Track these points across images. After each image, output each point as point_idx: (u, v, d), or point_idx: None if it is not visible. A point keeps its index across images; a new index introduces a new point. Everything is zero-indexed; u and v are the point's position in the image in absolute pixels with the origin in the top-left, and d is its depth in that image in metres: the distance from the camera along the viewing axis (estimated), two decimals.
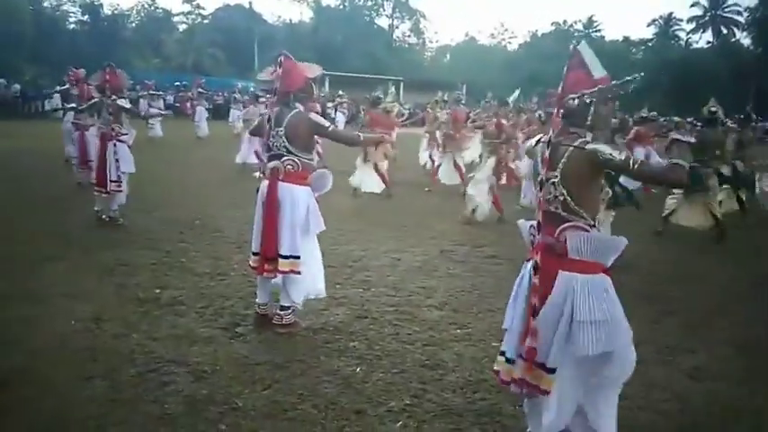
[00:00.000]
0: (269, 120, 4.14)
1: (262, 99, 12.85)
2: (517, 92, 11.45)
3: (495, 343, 4.00)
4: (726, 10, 54.79)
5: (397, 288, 5.12)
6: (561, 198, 2.49)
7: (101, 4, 44.33)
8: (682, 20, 57.19)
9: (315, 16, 59.90)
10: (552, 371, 2.48)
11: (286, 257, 4.02)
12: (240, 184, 10.51)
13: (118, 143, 6.90)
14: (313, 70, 4.24)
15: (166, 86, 28.75)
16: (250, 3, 56.55)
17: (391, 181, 9.77)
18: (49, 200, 8.24)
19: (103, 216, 6.98)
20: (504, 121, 8.63)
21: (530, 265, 2.64)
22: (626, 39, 60.82)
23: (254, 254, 4.19)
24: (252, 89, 28.74)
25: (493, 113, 9.51)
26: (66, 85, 11.16)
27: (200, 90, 21.29)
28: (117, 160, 6.85)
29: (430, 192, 10.60)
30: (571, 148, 2.48)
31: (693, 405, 3.38)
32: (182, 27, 54.37)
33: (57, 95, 24.34)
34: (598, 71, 2.54)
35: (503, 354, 2.72)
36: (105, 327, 4.05)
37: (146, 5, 52.17)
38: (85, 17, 43.57)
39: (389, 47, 60.40)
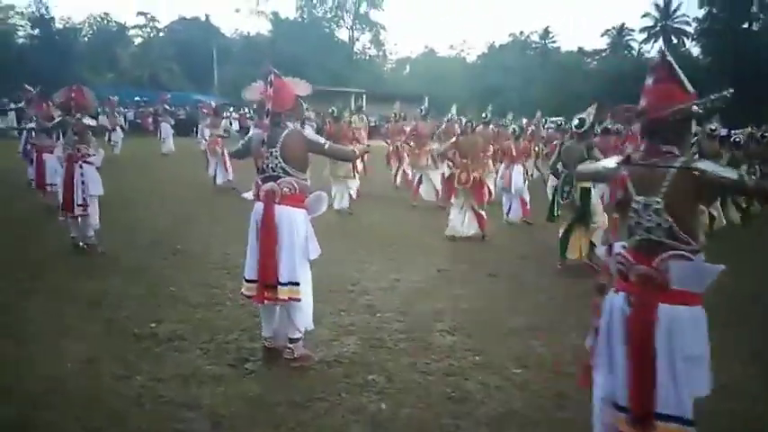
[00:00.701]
0: (262, 141, 3.94)
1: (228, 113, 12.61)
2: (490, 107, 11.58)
3: (516, 370, 3.92)
4: (675, 20, 56.80)
5: (404, 313, 4.95)
6: (666, 225, 2.31)
7: (51, 18, 43.01)
8: (634, 30, 59.05)
9: (273, 29, 59.47)
10: (670, 418, 2.29)
11: (285, 284, 3.81)
12: (215, 202, 10.24)
13: (84, 165, 6.53)
14: (303, 88, 4.06)
15: (126, 102, 27.99)
16: (207, 16, 55.94)
17: (364, 195, 9.68)
18: (16, 225, 7.77)
19: (80, 243, 6.59)
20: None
21: (622, 297, 2.45)
22: (580, 49, 62.47)
23: (249, 281, 3.96)
24: (212, 103, 28.37)
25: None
26: (21, 103, 10.54)
27: (165, 106, 20.73)
28: (83, 182, 6.50)
29: (414, 207, 10.44)
30: (672, 170, 2.31)
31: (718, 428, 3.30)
32: (137, 41, 53.27)
33: (11, 113, 23.67)
34: (689, 85, 2.39)
35: (618, 407, 2.44)
36: (103, 368, 3.74)
37: (98, 18, 50.89)
38: (35, 31, 42.14)
39: (350, 59, 60.46)
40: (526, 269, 6.56)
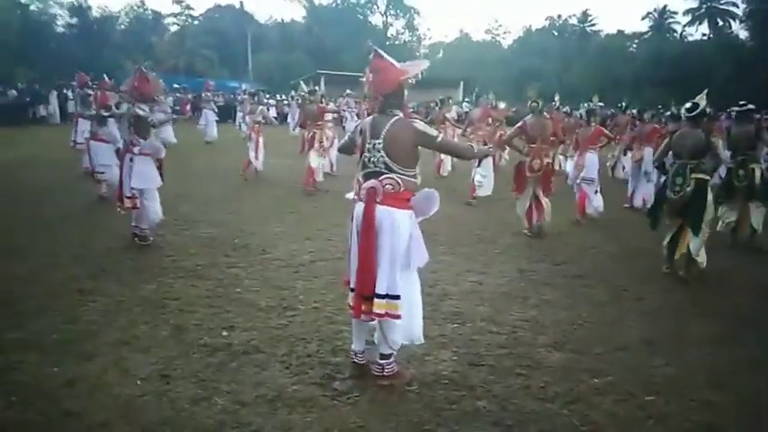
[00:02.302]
0: (361, 131, 3.47)
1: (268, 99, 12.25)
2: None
3: (648, 397, 3.36)
4: (721, 2, 54.47)
5: (497, 322, 4.42)
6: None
7: (89, 7, 43.39)
8: (676, 12, 56.97)
9: (308, 15, 59.10)
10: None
11: (382, 297, 3.32)
12: (267, 193, 9.84)
13: (135, 157, 6.13)
14: (409, 69, 3.51)
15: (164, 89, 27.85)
16: (241, 3, 55.66)
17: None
18: (68, 218, 7.45)
19: (135, 239, 6.25)
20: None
21: None
22: (620, 32, 60.49)
23: (352, 290, 3.50)
24: (248, 89, 28.04)
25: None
26: (83, 90, 10.30)
27: (208, 93, 20.48)
28: (130, 175, 6.12)
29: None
30: None
31: None
32: (172, 29, 53.45)
33: (54, 101, 23.74)
34: None
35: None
36: (178, 387, 3.32)
37: (134, 7, 51.15)
38: (73, 20, 42.53)
39: (383, 45, 59.46)
40: (616, 271, 5.95)
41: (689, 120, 5.29)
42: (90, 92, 10.07)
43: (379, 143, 3.33)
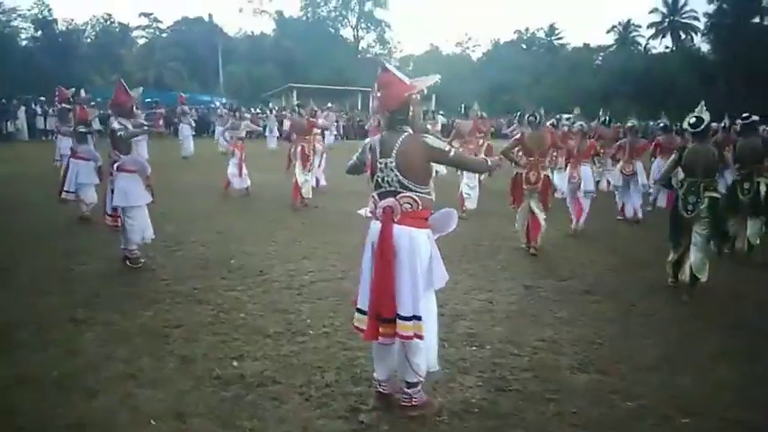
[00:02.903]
0: (371, 149, 3.33)
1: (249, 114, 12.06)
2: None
3: (684, 420, 3.26)
4: (684, 16, 56.09)
5: (516, 344, 4.30)
6: None
7: (54, 20, 42.47)
8: (640, 26, 58.42)
9: (277, 28, 58.85)
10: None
11: (407, 319, 3.17)
12: (252, 209, 9.60)
13: (117, 174, 5.89)
14: (417, 84, 3.37)
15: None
16: (210, 15, 55.21)
17: None
18: (50, 239, 7.11)
19: (126, 261, 5.98)
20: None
21: None
22: (586, 46, 61.84)
23: (361, 311, 3.34)
24: (227, 103, 27.65)
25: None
26: (60, 105, 9.96)
27: (184, 107, 20.06)
28: (112, 191, 5.89)
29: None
30: None
31: None
32: (140, 41, 52.63)
33: (22, 116, 23.02)
34: None
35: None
36: (195, 425, 3.10)
37: (101, 20, 50.28)
38: (38, 33, 41.54)
39: (354, 58, 59.78)
40: (621, 285, 5.90)
41: (696, 135, 5.25)
42: (69, 107, 9.71)
43: (391, 161, 3.19)
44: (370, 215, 3.39)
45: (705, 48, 53.89)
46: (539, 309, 5.10)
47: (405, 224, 3.19)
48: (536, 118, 7.05)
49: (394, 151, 3.19)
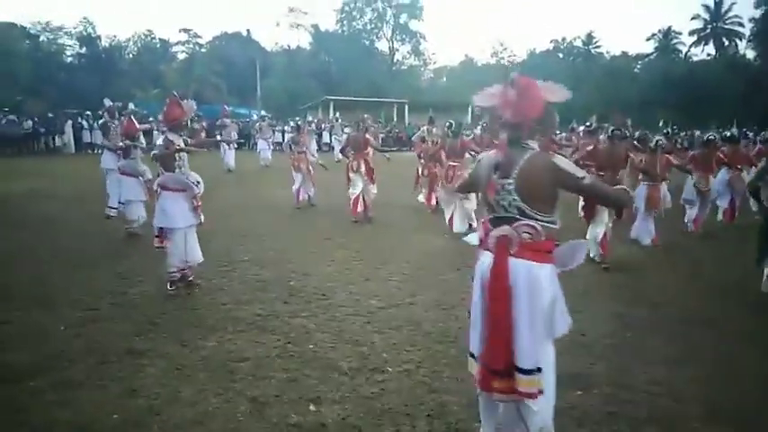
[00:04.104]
0: (494, 168, 2.83)
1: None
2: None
3: None
4: (727, 22, 54.50)
5: (625, 386, 3.75)
6: None
7: (98, 36, 43.47)
8: (681, 33, 57.02)
9: (314, 42, 59.20)
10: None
11: (527, 372, 2.66)
12: (304, 225, 9.24)
13: (161, 190, 5.57)
14: (557, 93, 2.84)
15: None
16: (248, 31, 55.95)
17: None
18: (97, 259, 6.84)
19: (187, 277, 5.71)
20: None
21: None
22: (625, 54, 60.50)
23: (472, 356, 2.86)
24: (262, 116, 27.54)
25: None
26: (104, 118, 9.82)
27: (225, 119, 20.03)
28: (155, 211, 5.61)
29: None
30: None
31: None
32: (180, 57, 53.50)
33: (69, 131, 23.37)
34: None
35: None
36: None
37: (142, 36, 51.37)
38: (83, 50, 42.56)
39: (389, 70, 59.77)
40: (723, 314, 5.30)
41: None
42: (114, 122, 9.54)
43: (510, 184, 2.70)
44: (478, 244, 2.91)
45: (750, 54, 52.24)
46: (639, 342, 4.54)
47: (523, 257, 2.69)
48: (621, 131, 6.52)
49: (515, 171, 2.70)
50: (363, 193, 9.55)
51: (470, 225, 8.13)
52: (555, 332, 2.79)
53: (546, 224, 2.73)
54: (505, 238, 2.70)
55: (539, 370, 2.69)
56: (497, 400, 2.80)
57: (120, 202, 8.54)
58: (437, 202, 10.00)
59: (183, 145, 5.57)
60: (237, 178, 16.23)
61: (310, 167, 11.10)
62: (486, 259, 2.78)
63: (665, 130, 11.88)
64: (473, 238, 3.08)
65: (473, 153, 8.51)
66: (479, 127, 12.70)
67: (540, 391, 2.69)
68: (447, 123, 9.17)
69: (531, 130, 2.79)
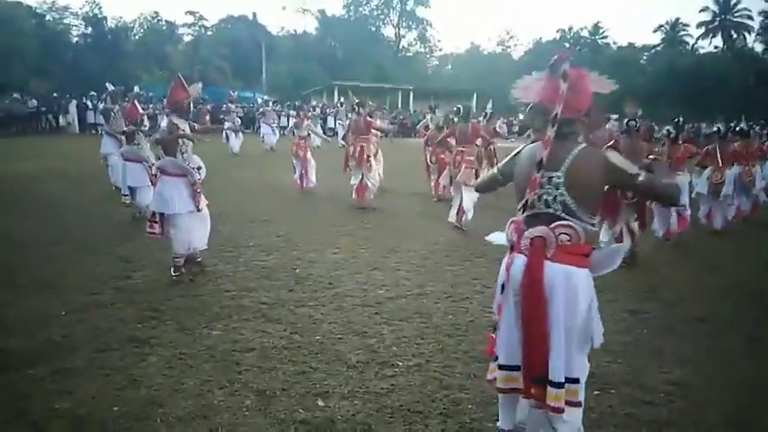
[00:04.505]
0: (526, 159, 2.66)
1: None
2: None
3: None
4: (736, 14, 53.89)
5: (643, 387, 3.63)
6: None
7: (104, 17, 43.16)
8: (688, 25, 56.50)
9: (320, 27, 58.82)
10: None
11: (558, 385, 2.48)
12: (310, 211, 9.11)
13: (161, 177, 5.43)
14: (604, 84, 2.65)
15: None
16: (254, 14, 55.55)
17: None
18: (100, 242, 6.72)
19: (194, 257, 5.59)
20: None
21: None
22: (631, 45, 59.88)
23: (504, 367, 2.68)
24: (265, 99, 27.33)
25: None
26: (106, 103, 9.69)
27: (229, 104, 19.84)
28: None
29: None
30: None
31: None
32: (186, 39, 53.19)
33: (73, 110, 23.22)
34: None
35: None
36: None
37: (149, 18, 51.06)
38: (88, 30, 42.27)
39: (395, 56, 59.34)
40: (738, 313, 5.16)
41: None
42: (111, 106, 9.37)
43: (559, 177, 2.52)
44: (508, 244, 2.74)
45: (759, 48, 51.64)
46: (655, 341, 4.41)
47: (560, 261, 2.51)
48: (636, 124, 6.34)
49: (565, 165, 2.52)
50: (365, 181, 9.38)
51: (463, 213, 7.88)
52: (593, 341, 2.65)
53: (587, 225, 2.56)
54: (542, 240, 2.53)
55: (573, 381, 2.54)
56: (534, 407, 2.65)
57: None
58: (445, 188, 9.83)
59: (188, 130, 5.42)
60: (241, 162, 16.07)
61: (309, 155, 10.92)
62: (517, 262, 2.60)
63: (675, 119, 11.63)
64: (497, 238, 2.93)
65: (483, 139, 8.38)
66: (483, 116, 12.49)
67: (572, 403, 2.54)
68: (455, 108, 8.97)
69: (580, 124, 2.64)
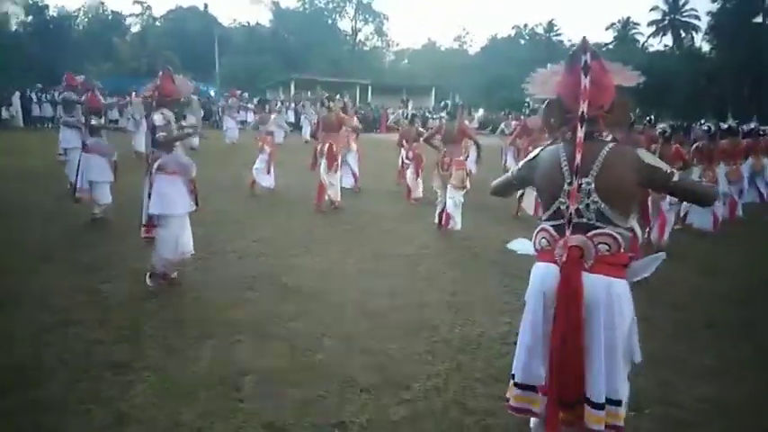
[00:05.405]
0: (552, 164, 2.42)
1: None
2: None
3: None
4: (684, 14, 55.70)
5: (676, 404, 3.43)
6: None
7: (45, 5, 41.01)
8: (639, 24, 58.11)
9: (274, 19, 57.64)
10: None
11: (600, 407, 2.26)
12: (281, 213, 8.65)
13: (155, 175, 4.93)
14: (629, 77, 2.47)
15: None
16: (206, 5, 53.83)
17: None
18: (57, 248, 6.13)
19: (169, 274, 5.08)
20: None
21: None
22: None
23: (522, 386, 2.46)
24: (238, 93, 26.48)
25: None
26: (65, 93, 8.99)
27: (192, 95, 19.01)
28: (149, 196, 4.94)
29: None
30: None
31: None
32: (134, 29, 51.23)
33: (17, 102, 21.85)
34: None
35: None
36: None
37: (93, 7, 48.80)
38: (29, 18, 40.10)
39: (352, 50, 58.81)
40: (746, 320, 5.04)
41: None
42: (75, 96, 8.70)
43: (589, 183, 2.29)
44: (535, 254, 2.49)
45: (706, 47, 53.55)
46: (673, 351, 4.23)
47: (600, 272, 2.29)
48: (651, 121, 6.19)
49: (594, 169, 2.30)
50: (323, 180, 8.91)
51: (449, 216, 7.59)
52: (635, 357, 2.42)
53: (624, 232, 2.34)
54: (579, 251, 2.30)
55: (615, 403, 2.31)
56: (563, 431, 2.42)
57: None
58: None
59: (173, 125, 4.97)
60: (203, 157, 15.34)
61: (273, 150, 10.37)
62: (548, 272, 2.37)
63: (647, 118, 11.69)
64: (522, 246, 2.66)
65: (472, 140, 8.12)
66: (444, 113, 12.21)
67: (614, 427, 2.30)
68: (443, 104, 8.68)
69: (605, 121, 2.40)
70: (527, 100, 10.99)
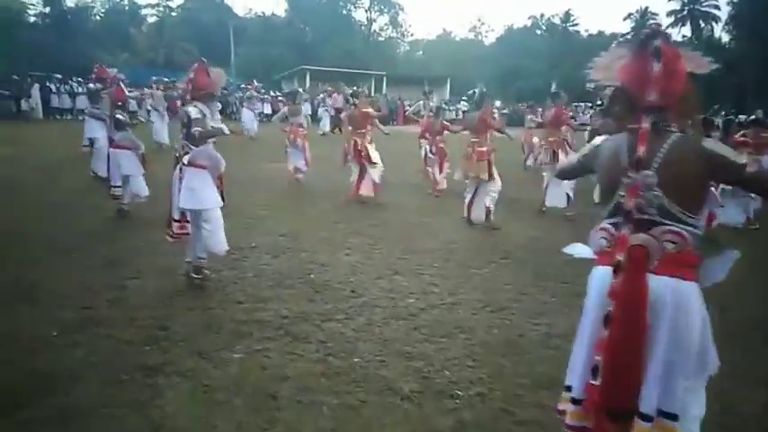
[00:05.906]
0: (613, 154, 2.23)
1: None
2: None
3: None
4: (704, 4, 54.72)
5: (734, 412, 3.24)
6: None
7: None
8: (657, 14, 57.15)
9: (290, 9, 57.35)
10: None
11: (648, 418, 2.06)
12: (308, 207, 8.51)
13: (186, 170, 4.77)
14: (702, 64, 2.27)
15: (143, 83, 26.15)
16: None
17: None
18: (88, 242, 6.02)
19: (191, 274, 4.92)
20: None
21: None
22: (601, 33, 60.37)
23: (577, 402, 2.25)
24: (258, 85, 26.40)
25: None
26: (94, 85, 8.93)
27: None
28: (180, 191, 4.78)
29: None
30: None
31: None
32: (150, 20, 51.26)
33: (36, 94, 21.89)
34: None
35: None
36: None
37: None
38: (46, 9, 40.16)
39: (366, 41, 58.45)
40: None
41: None
42: (102, 87, 8.64)
43: (651, 176, 2.10)
44: (594, 256, 2.31)
45: (725, 38, 52.56)
46: (726, 355, 4.01)
47: (666, 273, 2.09)
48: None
49: (656, 161, 2.11)
50: (366, 175, 8.79)
51: (489, 210, 7.46)
52: (709, 367, 2.21)
53: (692, 229, 2.13)
54: (643, 251, 2.09)
55: (669, 416, 2.10)
56: None
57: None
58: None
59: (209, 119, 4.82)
60: (222, 151, 15.27)
61: (306, 143, 10.29)
62: (605, 274, 2.17)
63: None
64: (581, 251, 2.46)
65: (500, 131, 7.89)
66: (469, 102, 11.94)
67: None
68: (470, 92, 8.44)
69: (675, 111, 2.21)
70: (553, 89, 10.70)
